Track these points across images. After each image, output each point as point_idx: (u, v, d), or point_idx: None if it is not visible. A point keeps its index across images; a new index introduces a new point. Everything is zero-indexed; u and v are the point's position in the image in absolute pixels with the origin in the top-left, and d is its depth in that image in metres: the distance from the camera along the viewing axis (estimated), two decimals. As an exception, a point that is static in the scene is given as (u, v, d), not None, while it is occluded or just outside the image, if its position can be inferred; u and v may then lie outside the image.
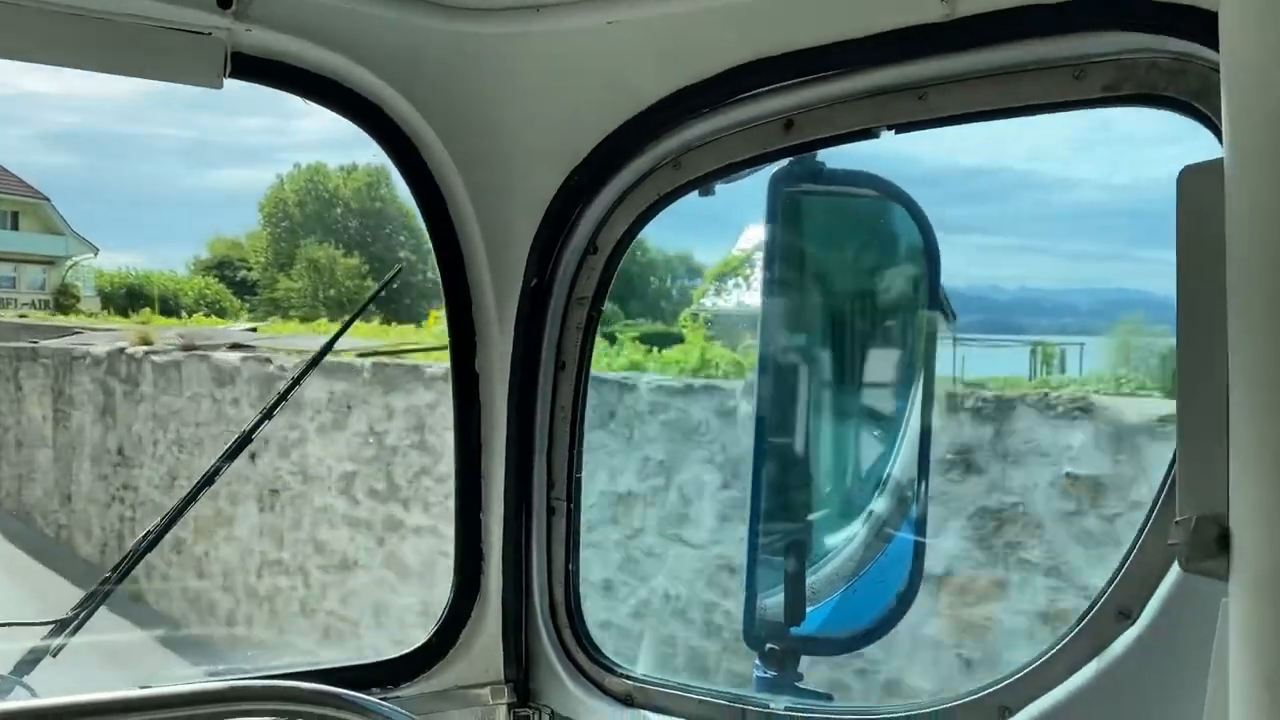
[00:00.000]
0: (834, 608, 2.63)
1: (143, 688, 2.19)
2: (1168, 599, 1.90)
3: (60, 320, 21.26)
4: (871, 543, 2.69)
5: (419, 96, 2.59)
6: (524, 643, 2.84)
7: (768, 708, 2.48)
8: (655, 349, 11.15)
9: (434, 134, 2.62)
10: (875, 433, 2.82)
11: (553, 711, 2.83)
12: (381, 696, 2.62)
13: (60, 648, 2.46)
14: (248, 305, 24.99)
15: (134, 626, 11.65)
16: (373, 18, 2.47)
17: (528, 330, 2.77)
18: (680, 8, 2.39)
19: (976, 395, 7.28)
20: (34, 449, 16.30)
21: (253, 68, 2.45)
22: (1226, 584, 1.07)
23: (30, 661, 2.54)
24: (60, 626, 2.50)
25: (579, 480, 2.84)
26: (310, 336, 16.19)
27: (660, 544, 9.11)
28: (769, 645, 2.56)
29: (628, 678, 2.74)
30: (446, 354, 2.87)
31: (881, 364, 2.79)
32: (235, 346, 13.98)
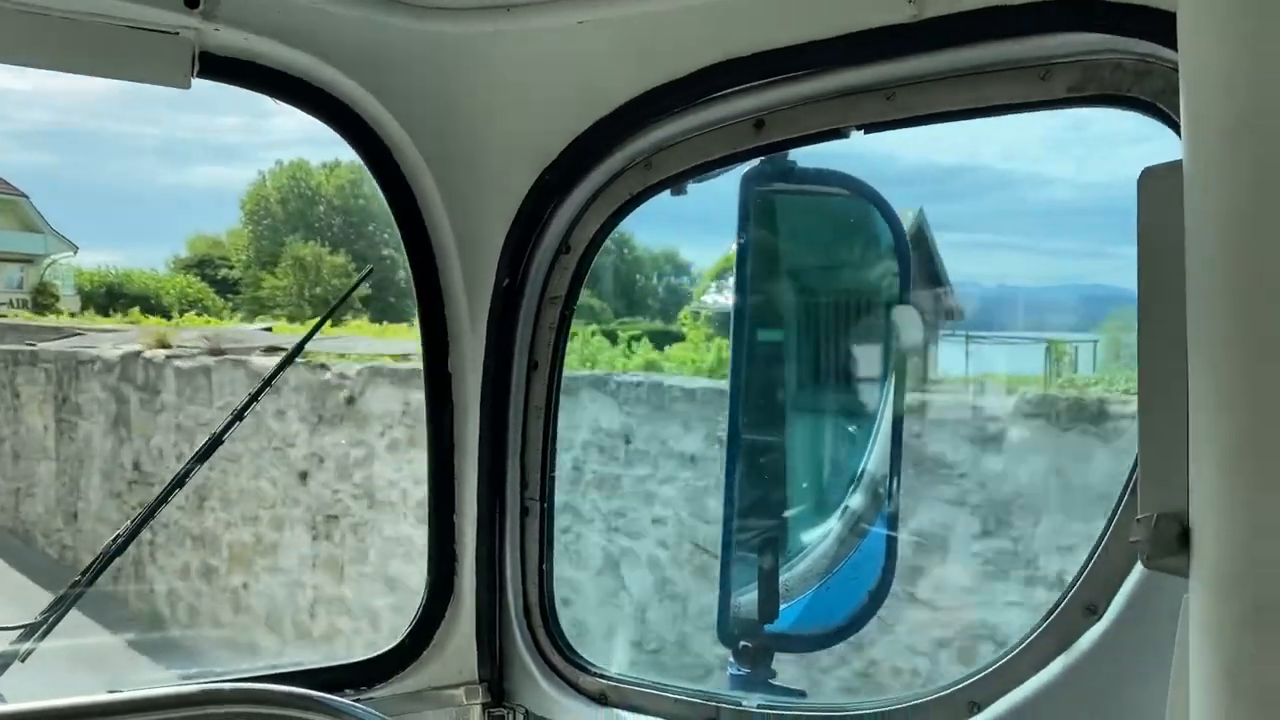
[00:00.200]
0: (807, 605, 2.64)
1: (112, 692, 2.18)
2: (1132, 595, 1.93)
3: (40, 320, 20.92)
4: (845, 539, 2.70)
5: (389, 96, 2.58)
6: (498, 643, 2.84)
7: (740, 705, 2.49)
8: (661, 348, 11.08)
9: (405, 134, 2.61)
10: (848, 430, 2.84)
11: (527, 711, 2.83)
12: (355, 698, 2.62)
13: (29, 652, 2.44)
14: (230, 304, 24.78)
15: (155, 665, 10.48)
16: (342, 17, 2.45)
17: (500, 330, 2.77)
18: (651, 8, 2.39)
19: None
20: (34, 461, 14.71)
21: (221, 67, 2.43)
22: (1187, 580, 1.08)
23: None
24: (29, 631, 2.48)
25: (553, 480, 2.84)
26: (355, 336, 13.92)
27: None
28: (743, 642, 2.57)
29: (602, 677, 2.74)
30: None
31: (854, 361, 2.81)
32: (271, 350, 12.68)
